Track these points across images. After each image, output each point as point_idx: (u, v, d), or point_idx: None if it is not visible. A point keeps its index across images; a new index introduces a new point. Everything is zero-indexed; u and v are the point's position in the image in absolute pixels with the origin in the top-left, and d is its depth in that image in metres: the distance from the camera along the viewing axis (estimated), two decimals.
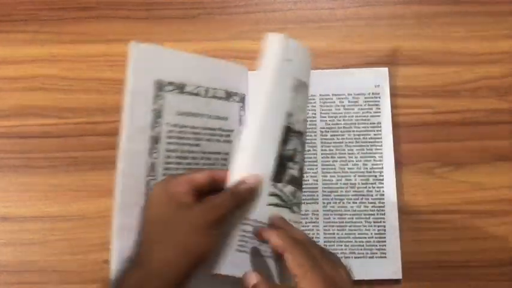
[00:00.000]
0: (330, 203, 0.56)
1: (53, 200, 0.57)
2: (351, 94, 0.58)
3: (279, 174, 0.47)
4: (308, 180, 0.56)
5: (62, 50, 0.61)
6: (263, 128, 0.47)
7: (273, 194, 0.46)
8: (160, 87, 0.51)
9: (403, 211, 0.56)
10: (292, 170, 0.48)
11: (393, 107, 0.58)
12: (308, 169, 0.57)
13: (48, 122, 0.59)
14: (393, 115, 0.58)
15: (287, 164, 0.48)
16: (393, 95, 0.59)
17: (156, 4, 0.62)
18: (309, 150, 0.57)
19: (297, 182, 0.48)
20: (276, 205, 0.46)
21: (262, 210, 0.45)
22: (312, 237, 0.55)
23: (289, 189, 0.47)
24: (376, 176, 0.56)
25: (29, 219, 0.57)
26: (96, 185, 0.57)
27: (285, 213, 0.46)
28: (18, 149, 0.59)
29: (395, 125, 0.58)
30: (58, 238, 0.57)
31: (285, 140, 0.47)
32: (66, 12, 0.62)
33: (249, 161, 0.46)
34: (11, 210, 0.57)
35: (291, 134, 0.48)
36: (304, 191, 0.56)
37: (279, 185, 0.47)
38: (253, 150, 0.46)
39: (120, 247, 0.48)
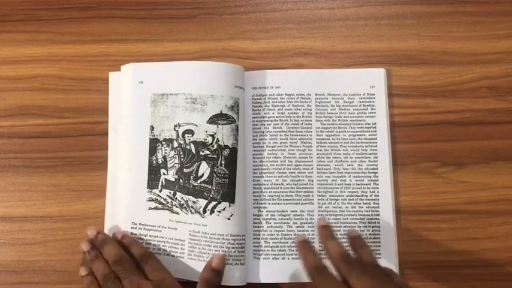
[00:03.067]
0: (325, 203, 0.56)
1: (53, 200, 0.58)
2: (346, 94, 0.58)
3: (152, 181, 0.56)
4: (303, 180, 0.56)
5: (62, 50, 0.61)
6: (132, 146, 0.56)
7: (150, 200, 0.55)
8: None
9: (403, 211, 0.56)
10: (166, 176, 0.55)
11: (392, 107, 0.58)
12: (303, 169, 0.57)
13: (48, 122, 0.59)
14: (392, 115, 0.58)
15: (159, 171, 0.56)
16: (392, 95, 0.59)
17: (156, 4, 0.62)
18: (304, 150, 0.57)
19: (174, 186, 0.55)
20: (156, 208, 0.55)
21: (143, 214, 0.55)
22: (307, 238, 0.55)
23: (165, 193, 0.55)
24: (370, 176, 0.56)
25: (29, 219, 0.57)
26: (96, 185, 0.57)
27: (166, 215, 0.55)
28: (18, 149, 0.59)
29: (394, 125, 0.58)
30: (58, 238, 0.57)
31: (152, 151, 0.56)
32: (66, 12, 0.62)
33: (126, 176, 0.56)
34: (11, 210, 0.57)
35: (158, 144, 0.56)
36: (299, 191, 0.56)
37: (155, 190, 0.55)
38: (128, 166, 0.56)
39: None
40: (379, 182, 0.56)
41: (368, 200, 0.56)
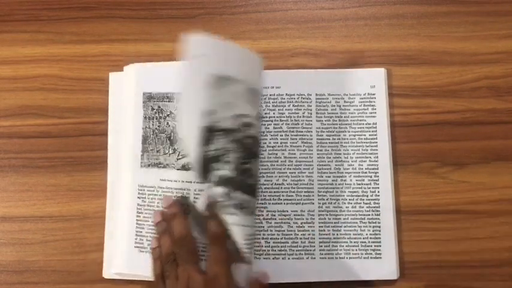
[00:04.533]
0: (326, 203, 0.56)
1: (53, 200, 0.58)
2: (347, 94, 0.58)
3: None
4: (304, 180, 0.56)
5: (62, 50, 0.61)
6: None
7: None
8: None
9: (402, 211, 0.56)
10: (222, 171, 0.46)
11: (393, 107, 0.58)
12: (304, 169, 0.56)
13: (48, 122, 0.59)
14: (392, 115, 0.58)
15: (212, 165, 0.46)
16: (393, 95, 0.59)
17: (156, 4, 0.62)
18: (305, 150, 0.57)
19: (232, 183, 0.47)
20: None
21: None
22: (308, 238, 0.55)
23: (218, 190, 0.46)
24: (371, 176, 0.56)
25: (29, 219, 0.57)
26: (96, 185, 0.57)
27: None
28: (18, 149, 0.59)
29: (394, 125, 0.58)
30: (58, 238, 0.57)
31: (206, 141, 0.46)
32: (66, 12, 0.62)
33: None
34: (11, 210, 0.57)
35: (214, 134, 0.46)
36: (300, 191, 0.56)
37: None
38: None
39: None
40: (379, 182, 0.56)
41: (368, 200, 0.56)
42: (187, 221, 0.51)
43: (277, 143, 0.57)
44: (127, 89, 0.58)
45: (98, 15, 0.62)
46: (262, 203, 0.56)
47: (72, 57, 0.61)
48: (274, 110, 0.58)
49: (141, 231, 0.55)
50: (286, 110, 0.58)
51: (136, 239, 0.55)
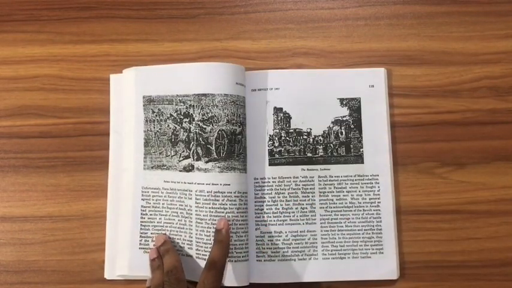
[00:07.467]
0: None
1: (53, 200, 0.58)
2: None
3: None
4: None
5: (62, 50, 0.61)
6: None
7: None
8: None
9: (403, 211, 0.56)
10: None
11: (393, 107, 0.58)
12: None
13: (48, 122, 0.59)
14: (392, 115, 0.58)
15: None
16: (393, 95, 0.59)
17: (156, 4, 0.62)
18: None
19: None
20: None
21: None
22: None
23: None
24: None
25: (29, 219, 0.57)
26: (96, 185, 0.58)
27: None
28: (18, 149, 0.59)
29: (394, 125, 0.58)
30: (58, 238, 0.57)
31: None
32: (66, 12, 0.62)
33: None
34: (11, 210, 0.57)
35: None
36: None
37: None
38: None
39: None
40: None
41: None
42: (178, 256, 0.52)
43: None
44: (127, 92, 0.58)
45: (98, 15, 0.62)
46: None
47: (72, 57, 0.61)
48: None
49: (146, 233, 0.55)
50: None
51: (141, 240, 0.55)
